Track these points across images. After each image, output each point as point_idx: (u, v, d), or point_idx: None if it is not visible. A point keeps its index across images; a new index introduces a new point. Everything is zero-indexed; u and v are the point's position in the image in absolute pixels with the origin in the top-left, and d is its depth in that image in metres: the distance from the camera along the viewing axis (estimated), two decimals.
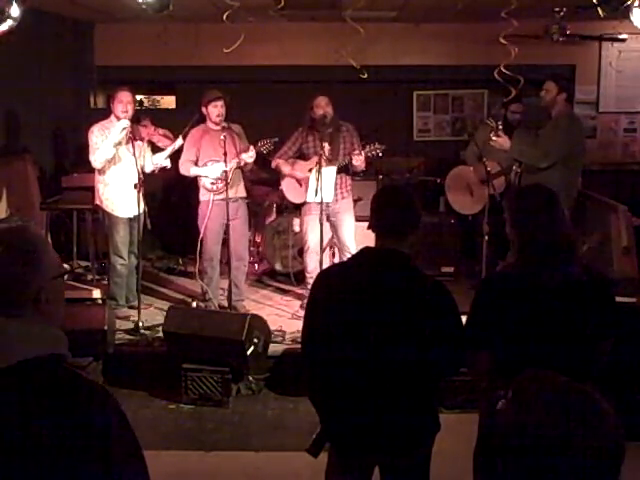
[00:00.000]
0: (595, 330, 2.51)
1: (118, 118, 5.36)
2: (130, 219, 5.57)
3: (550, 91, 5.18)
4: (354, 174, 5.81)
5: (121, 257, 5.62)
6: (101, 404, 1.40)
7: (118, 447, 1.37)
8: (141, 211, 5.40)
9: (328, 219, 5.61)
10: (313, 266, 5.57)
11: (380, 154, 5.43)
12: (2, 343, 1.37)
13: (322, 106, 5.52)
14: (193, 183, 5.65)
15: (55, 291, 1.52)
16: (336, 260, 5.95)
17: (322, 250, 5.47)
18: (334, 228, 5.72)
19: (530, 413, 1.21)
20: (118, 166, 5.47)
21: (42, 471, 1.30)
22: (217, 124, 5.47)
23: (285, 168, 5.69)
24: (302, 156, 5.69)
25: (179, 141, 5.59)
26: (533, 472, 1.18)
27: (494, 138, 5.29)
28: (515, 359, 2.32)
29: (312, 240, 5.59)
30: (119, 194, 5.50)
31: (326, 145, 5.39)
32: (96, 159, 5.39)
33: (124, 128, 5.29)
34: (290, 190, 5.80)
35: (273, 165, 5.80)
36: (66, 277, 6.03)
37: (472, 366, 2.68)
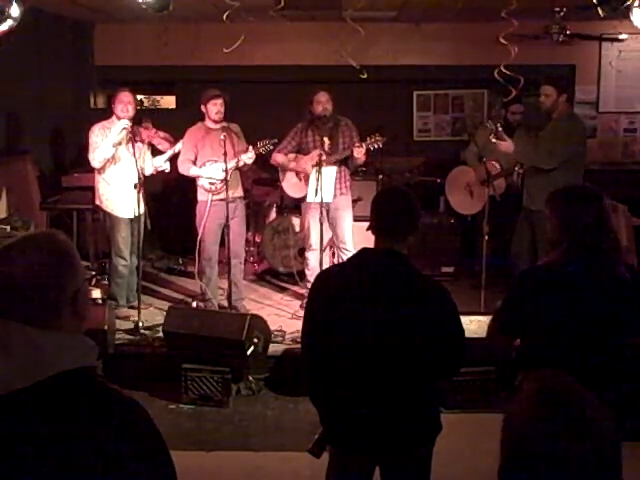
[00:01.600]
0: (637, 329, 2.54)
1: (119, 118, 5.38)
2: (131, 219, 5.58)
3: (550, 95, 5.00)
4: (354, 169, 5.79)
5: (123, 258, 5.62)
6: (136, 417, 1.42)
7: (152, 457, 1.40)
8: (141, 211, 5.41)
9: (327, 214, 5.61)
10: (315, 264, 5.58)
11: (380, 145, 5.41)
12: (35, 355, 1.36)
13: (322, 102, 5.52)
14: (192, 183, 5.66)
15: (85, 293, 1.55)
16: (336, 260, 5.95)
17: (322, 250, 5.47)
18: (332, 225, 5.71)
19: (518, 412, 1.22)
20: (118, 166, 5.48)
21: None
22: (216, 122, 5.47)
23: (286, 161, 5.69)
24: (301, 151, 5.68)
25: (179, 145, 5.60)
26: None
27: (497, 142, 5.19)
28: (549, 353, 2.39)
29: (315, 238, 5.59)
30: (119, 194, 5.50)
31: (326, 140, 5.39)
32: (95, 158, 5.40)
33: (124, 128, 5.30)
34: (290, 185, 5.80)
35: (272, 160, 5.80)
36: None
37: (492, 346, 2.73)
